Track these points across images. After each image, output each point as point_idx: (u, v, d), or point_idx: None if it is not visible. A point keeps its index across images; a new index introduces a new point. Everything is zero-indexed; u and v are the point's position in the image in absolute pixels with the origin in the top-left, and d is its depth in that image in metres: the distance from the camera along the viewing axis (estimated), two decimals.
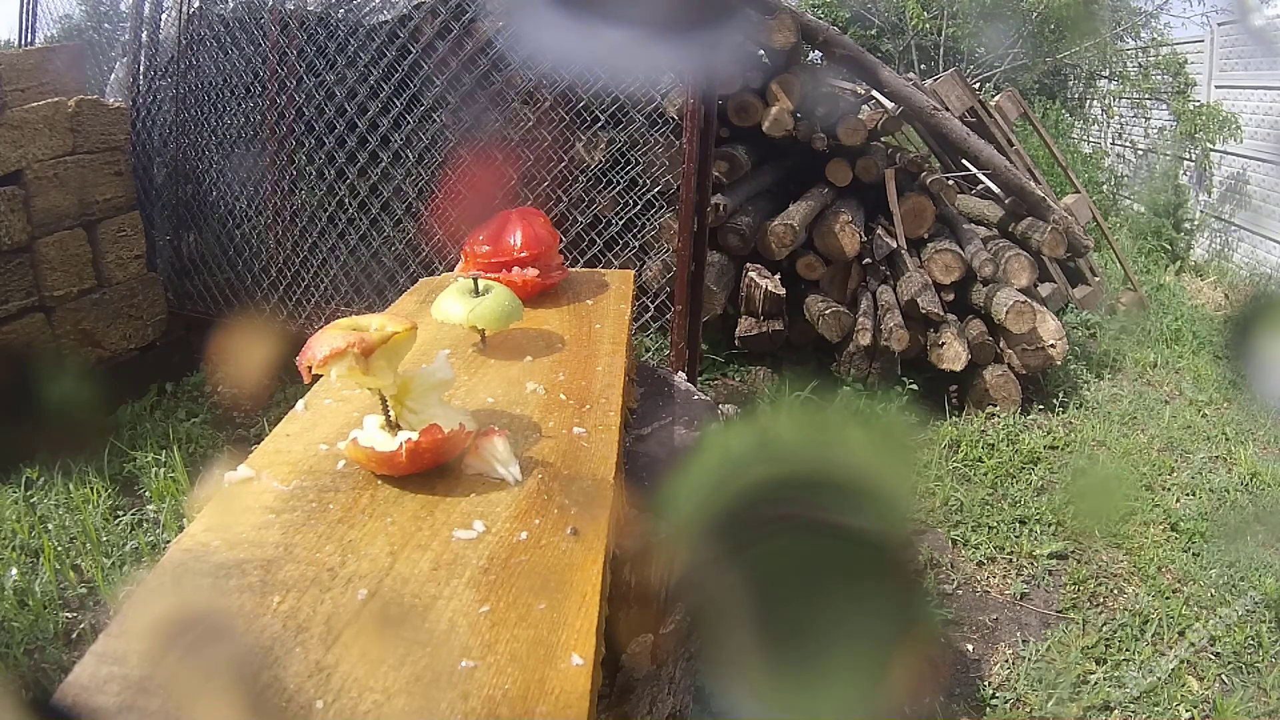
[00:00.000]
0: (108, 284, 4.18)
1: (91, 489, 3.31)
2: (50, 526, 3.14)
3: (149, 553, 3.02)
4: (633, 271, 2.10)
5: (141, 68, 4.91)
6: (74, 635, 2.68)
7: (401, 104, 4.10)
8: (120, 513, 3.25)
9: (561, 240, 2.03)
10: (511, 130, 4.00)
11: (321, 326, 1.12)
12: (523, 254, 1.69)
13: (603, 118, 3.93)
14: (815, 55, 5.50)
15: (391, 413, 1.09)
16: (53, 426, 3.35)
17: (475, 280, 1.48)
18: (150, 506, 3.31)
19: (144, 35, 4.90)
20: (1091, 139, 10.44)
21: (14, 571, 2.86)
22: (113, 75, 5.59)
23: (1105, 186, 9.29)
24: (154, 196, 4.81)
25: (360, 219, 4.27)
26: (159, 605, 0.86)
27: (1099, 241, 6.40)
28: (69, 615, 2.78)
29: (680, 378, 1.98)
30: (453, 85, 4.04)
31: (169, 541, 2.74)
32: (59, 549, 3.01)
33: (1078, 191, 6.67)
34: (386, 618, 0.84)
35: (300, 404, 1.25)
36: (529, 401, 1.30)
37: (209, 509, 1.00)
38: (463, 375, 1.38)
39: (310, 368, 1.05)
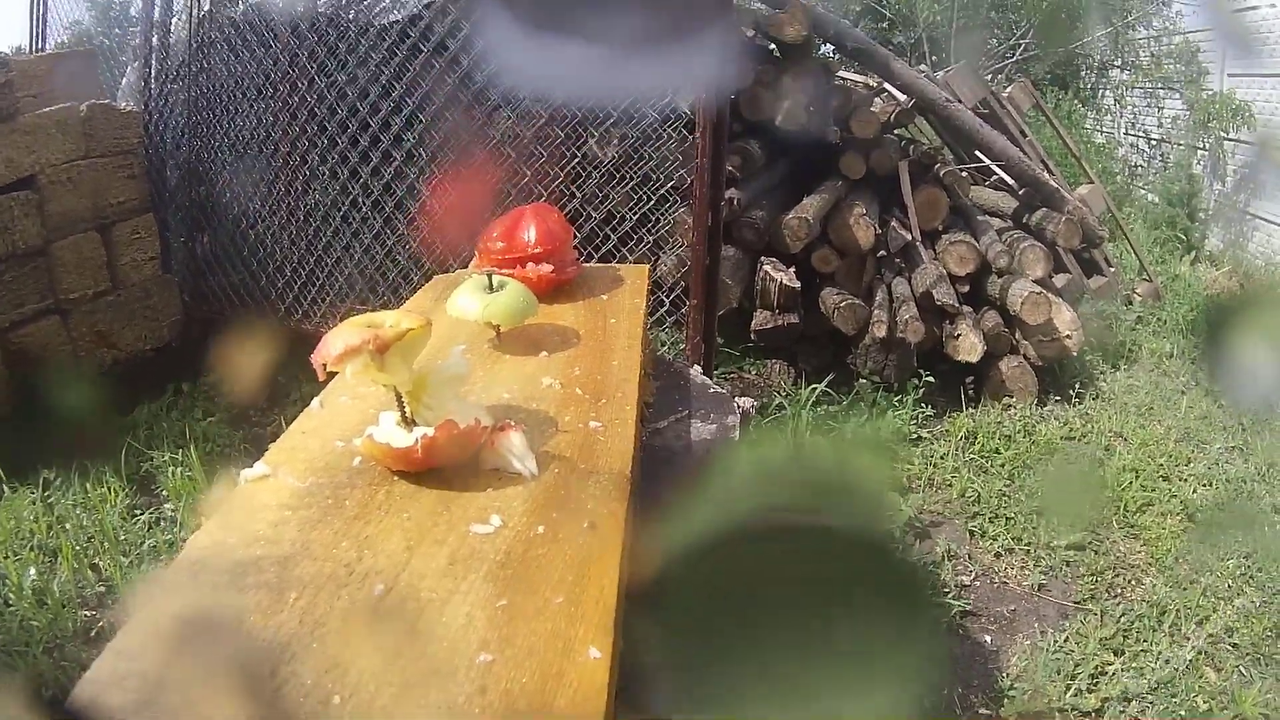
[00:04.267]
0: (123, 286, 4.20)
1: (109, 488, 3.32)
2: (68, 526, 3.15)
3: (166, 551, 3.04)
4: (647, 266, 2.09)
5: (153, 71, 4.92)
6: (93, 633, 2.70)
7: (414, 103, 4.10)
8: (138, 511, 3.27)
9: (576, 236, 2.02)
10: (524, 127, 4.00)
11: (336, 324, 1.12)
12: (537, 250, 1.69)
13: (615, 114, 3.92)
14: (827, 48, 5.48)
15: (407, 409, 1.09)
16: (70, 427, 3.38)
17: (490, 276, 1.49)
18: (167, 505, 3.32)
19: (155, 39, 4.91)
20: (1104, 129, 10.35)
21: (32, 571, 2.88)
22: (124, 79, 5.61)
23: (1119, 177, 9.21)
24: (168, 199, 4.83)
25: (374, 217, 4.27)
26: (176, 602, 0.87)
27: (1113, 232, 6.35)
28: (87, 614, 2.79)
29: (696, 371, 1.98)
30: (464, 83, 4.03)
31: (186, 539, 2.76)
32: (77, 548, 3.03)
33: (1091, 182, 6.62)
34: (403, 613, 0.84)
35: (316, 401, 1.25)
36: (545, 396, 1.30)
37: (225, 506, 1.01)
38: (478, 371, 1.37)
39: (325, 365, 1.06)
